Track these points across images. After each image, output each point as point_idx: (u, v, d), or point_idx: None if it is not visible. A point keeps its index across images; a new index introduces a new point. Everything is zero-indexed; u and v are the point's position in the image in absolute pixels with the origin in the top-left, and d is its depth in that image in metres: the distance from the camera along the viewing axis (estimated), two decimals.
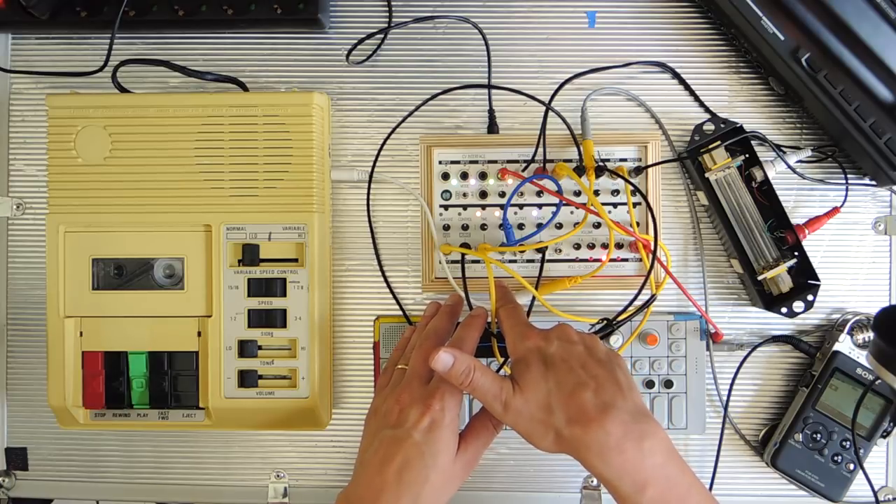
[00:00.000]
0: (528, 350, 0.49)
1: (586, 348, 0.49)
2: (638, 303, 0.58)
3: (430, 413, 0.48)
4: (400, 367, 0.54)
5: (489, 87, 0.62)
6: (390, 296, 0.63)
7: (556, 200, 0.60)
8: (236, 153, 0.58)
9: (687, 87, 0.62)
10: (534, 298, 0.61)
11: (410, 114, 0.62)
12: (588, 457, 0.44)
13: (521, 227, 0.61)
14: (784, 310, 0.58)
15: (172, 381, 0.59)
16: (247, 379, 0.58)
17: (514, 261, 0.62)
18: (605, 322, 0.58)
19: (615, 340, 0.61)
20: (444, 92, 0.62)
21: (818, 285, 0.57)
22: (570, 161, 0.61)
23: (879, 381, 0.54)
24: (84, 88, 0.62)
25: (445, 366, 0.47)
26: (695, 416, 0.61)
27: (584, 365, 0.48)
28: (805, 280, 0.58)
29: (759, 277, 0.58)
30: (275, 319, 0.58)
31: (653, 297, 0.59)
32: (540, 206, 0.62)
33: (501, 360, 0.58)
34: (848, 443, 0.59)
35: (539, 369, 0.47)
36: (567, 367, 0.47)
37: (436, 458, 0.47)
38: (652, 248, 0.59)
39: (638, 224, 0.61)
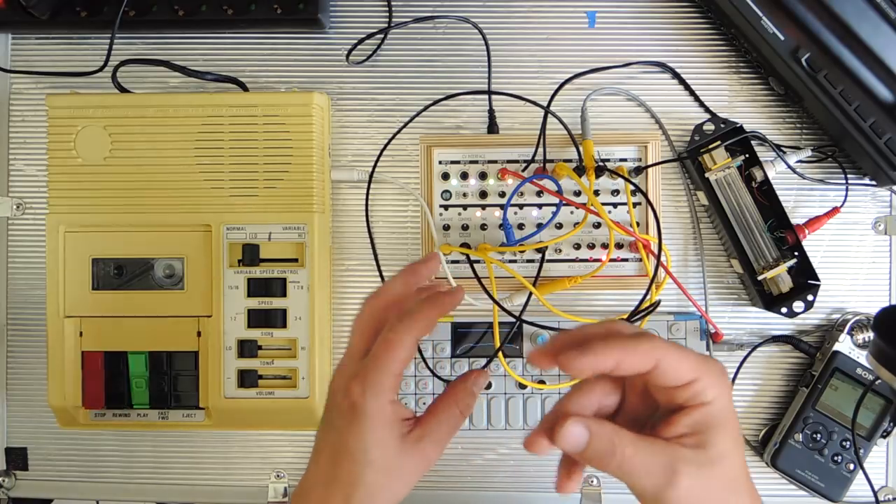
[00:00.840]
0: (724, 403, 0.34)
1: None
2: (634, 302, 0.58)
3: (350, 398, 0.38)
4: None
5: (489, 92, 0.62)
6: None
7: (556, 200, 0.60)
8: (236, 153, 0.58)
9: (687, 87, 0.62)
10: (530, 295, 0.61)
11: (411, 119, 0.62)
12: None
13: (521, 227, 0.61)
14: (784, 310, 0.57)
15: (172, 381, 0.59)
16: (247, 379, 0.58)
17: (514, 261, 0.62)
18: None
19: None
20: (444, 98, 0.62)
21: (818, 285, 0.57)
22: (570, 161, 0.61)
23: (879, 381, 0.54)
24: (84, 88, 0.62)
25: (578, 444, 0.33)
26: None
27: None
28: (805, 280, 0.58)
29: (759, 277, 0.58)
30: (275, 319, 0.58)
31: (657, 303, 0.59)
32: (540, 206, 0.62)
33: (505, 361, 0.58)
34: (848, 443, 0.59)
35: (734, 434, 0.34)
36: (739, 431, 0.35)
37: (366, 454, 0.38)
38: (652, 248, 0.59)
39: (638, 224, 0.61)
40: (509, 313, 0.59)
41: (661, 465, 0.33)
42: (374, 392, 0.38)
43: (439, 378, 0.61)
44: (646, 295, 0.57)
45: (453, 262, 0.61)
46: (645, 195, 0.59)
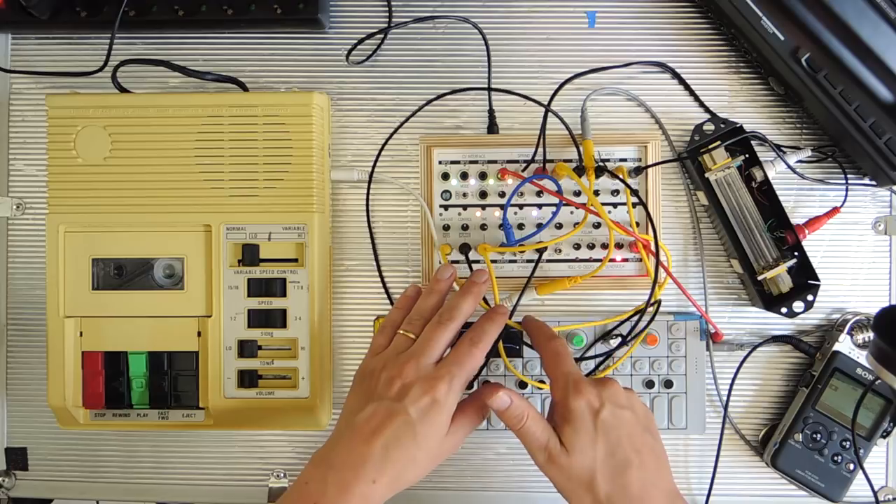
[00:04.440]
0: (580, 409, 0.48)
1: (633, 414, 0.49)
2: (639, 304, 0.58)
3: (433, 394, 0.47)
4: (403, 332, 0.52)
5: (489, 89, 0.62)
6: (388, 297, 0.63)
7: (556, 200, 0.60)
8: (236, 153, 0.58)
9: (687, 87, 0.62)
10: (522, 293, 0.61)
11: (409, 118, 0.62)
12: None
13: (521, 227, 0.61)
14: (784, 310, 0.58)
15: (172, 381, 0.59)
16: (247, 379, 0.58)
17: (514, 261, 0.62)
18: (619, 339, 0.60)
19: (616, 341, 0.60)
20: (443, 95, 0.62)
21: (818, 285, 0.57)
22: (570, 161, 0.61)
23: (879, 381, 0.54)
24: (84, 88, 0.62)
25: (501, 406, 0.48)
26: (695, 417, 0.61)
27: (631, 436, 0.48)
28: (805, 280, 0.58)
29: (759, 277, 0.58)
30: (275, 319, 0.58)
31: (658, 303, 0.59)
32: (540, 206, 0.62)
33: (508, 360, 0.58)
34: (848, 443, 0.59)
35: (589, 435, 0.47)
36: (616, 438, 0.48)
37: (427, 440, 0.47)
38: (652, 250, 0.59)
39: (638, 224, 0.61)
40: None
41: (542, 439, 0.48)
42: (455, 393, 0.48)
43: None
44: (650, 296, 0.57)
45: (453, 262, 0.61)
46: (639, 197, 0.59)
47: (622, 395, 0.50)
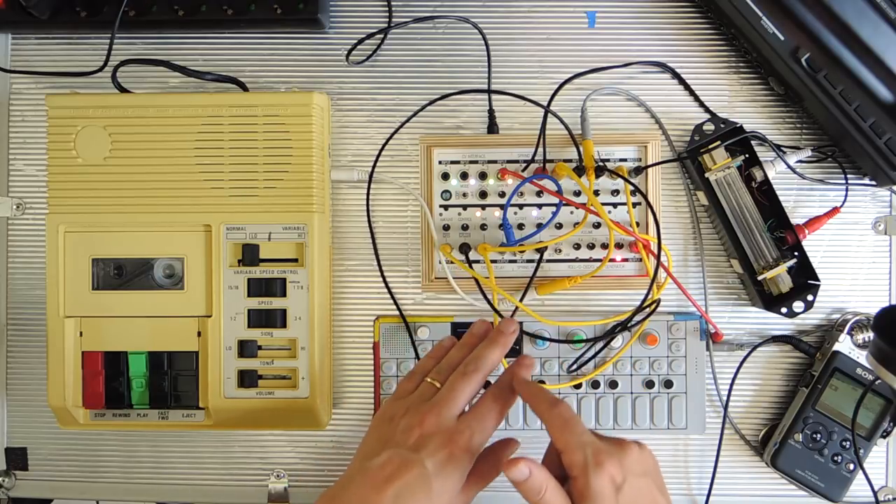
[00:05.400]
0: (602, 488, 0.44)
1: (650, 479, 0.47)
2: (636, 303, 0.58)
3: (452, 448, 0.46)
4: (430, 380, 0.51)
5: (489, 91, 0.62)
6: (390, 296, 0.63)
7: (556, 200, 0.60)
8: (236, 153, 0.58)
9: (687, 87, 0.62)
10: (524, 293, 0.61)
11: (410, 118, 0.62)
12: None
13: (521, 227, 0.61)
14: (784, 310, 0.58)
15: (172, 381, 0.59)
16: (247, 379, 0.58)
17: (514, 261, 0.62)
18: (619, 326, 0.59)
19: (616, 341, 0.61)
20: (444, 97, 0.62)
21: (818, 285, 0.57)
22: (570, 161, 0.61)
23: (879, 381, 0.54)
24: (84, 88, 0.62)
25: (520, 477, 0.44)
26: (695, 416, 0.61)
27: None
28: (805, 280, 0.58)
29: (759, 277, 0.58)
30: (275, 319, 0.58)
31: (657, 303, 0.59)
32: (540, 206, 0.62)
33: (506, 361, 0.58)
34: (848, 443, 0.59)
35: None
36: None
37: (441, 496, 0.45)
38: (652, 248, 0.59)
39: (638, 224, 0.61)
40: (499, 314, 0.59)
41: None
42: (474, 451, 0.47)
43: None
44: (647, 295, 0.57)
45: (451, 262, 0.61)
46: (643, 195, 0.59)
47: (638, 459, 0.47)
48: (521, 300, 0.60)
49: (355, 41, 0.62)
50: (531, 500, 0.45)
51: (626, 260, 0.62)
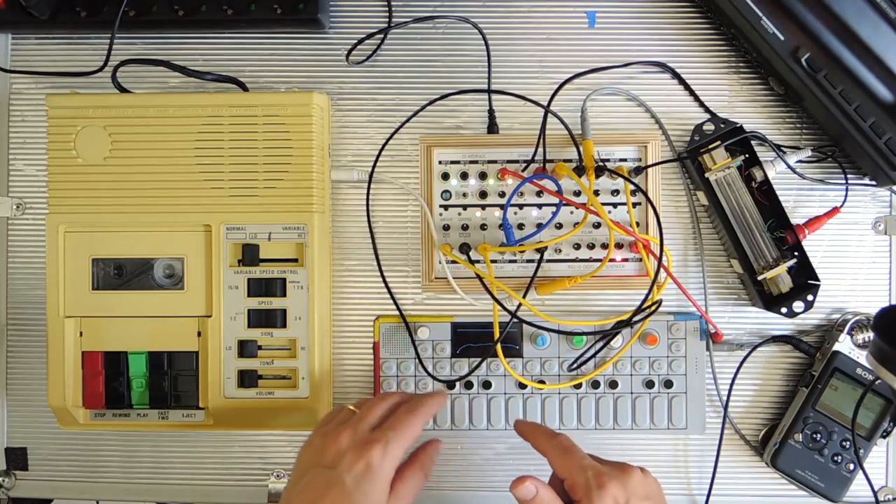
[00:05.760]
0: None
1: (653, 502, 0.48)
2: (637, 304, 0.58)
3: (367, 459, 0.46)
4: (350, 407, 0.52)
5: (489, 91, 0.62)
6: (390, 296, 0.63)
7: (556, 200, 0.60)
8: (236, 153, 0.58)
9: (687, 87, 0.62)
10: (526, 292, 0.60)
11: (410, 118, 0.62)
12: None
13: (521, 227, 0.61)
14: (784, 310, 0.57)
15: (172, 381, 0.59)
16: (247, 379, 0.58)
17: (514, 261, 0.62)
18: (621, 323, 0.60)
19: (616, 341, 0.60)
20: (444, 97, 0.62)
21: (818, 285, 0.57)
22: (570, 161, 0.61)
23: (879, 381, 0.54)
24: (84, 88, 0.62)
25: (526, 496, 0.46)
26: (695, 416, 0.61)
27: None
28: (805, 280, 0.58)
29: (759, 277, 0.58)
30: (275, 319, 0.58)
31: (659, 303, 0.59)
32: (540, 206, 0.62)
33: (506, 361, 0.58)
34: (848, 443, 0.59)
35: None
36: None
37: None
38: (652, 248, 0.59)
39: (638, 224, 0.61)
40: (507, 310, 0.59)
41: None
42: (391, 459, 0.47)
43: (437, 380, 0.61)
44: (647, 295, 0.57)
45: (452, 262, 0.61)
46: (645, 194, 0.59)
47: (641, 483, 0.48)
48: (523, 297, 0.60)
49: (355, 41, 0.62)
50: None
51: (626, 260, 0.62)
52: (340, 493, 0.45)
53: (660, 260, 0.57)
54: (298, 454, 0.50)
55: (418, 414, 0.51)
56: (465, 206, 0.62)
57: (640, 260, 0.61)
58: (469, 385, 0.61)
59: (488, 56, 0.62)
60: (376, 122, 0.63)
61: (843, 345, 0.59)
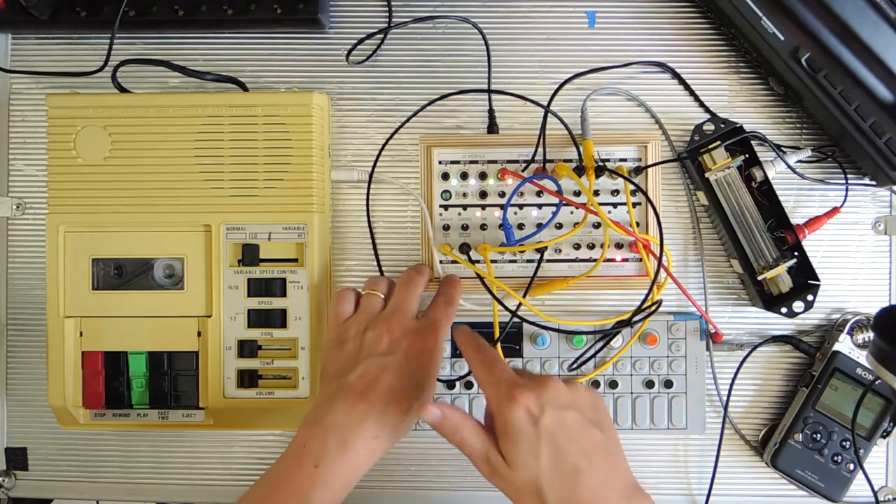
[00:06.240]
0: (517, 419, 0.43)
1: (578, 412, 0.45)
2: (637, 303, 0.58)
3: (425, 343, 0.51)
4: (369, 292, 0.56)
5: (489, 91, 0.62)
6: None
7: (556, 200, 0.60)
8: (236, 153, 0.58)
9: (687, 87, 0.62)
10: (526, 292, 0.60)
11: (410, 118, 0.62)
12: None
13: (521, 227, 0.61)
14: (784, 310, 0.57)
15: (172, 381, 0.59)
16: (247, 379, 0.58)
17: (514, 261, 0.62)
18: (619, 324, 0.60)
19: (616, 341, 0.60)
20: (444, 97, 0.62)
21: (818, 285, 0.57)
22: (570, 161, 0.61)
23: (879, 381, 0.54)
24: (84, 88, 0.62)
25: (432, 419, 0.45)
26: (695, 416, 0.61)
27: (578, 440, 0.44)
28: (805, 280, 0.58)
29: (759, 277, 0.58)
30: (275, 319, 0.58)
31: (659, 303, 0.59)
32: (540, 206, 0.62)
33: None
34: (848, 443, 0.59)
35: (530, 446, 0.43)
36: (561, 445, 0.43)
37: (422, 392, 0.50)
38: (652, 248, 0.59)
39: (638, 224, 0.61)
40: (508, 310, 0.59)
41: (481, 452, 0.45)
42: (441, 344, 0.54)
43: (437, 380, 0.61)
44: (647, 295, 0.57)
45: (452, 262, 0.61)
46: (645, 194, 0.59)
47: (563, 392, 0.45)
48: (523, 297, 0.60)
49: (355, 41, 0.62)
50: (450, 440, 0.46)
51: (626, 260, 0.62)
52: (405, 377, 0.50)
53: (660, 260, 0.57)
54: (331, 348, 0.54)
55: (454, 305, 0.57)
56: (465, 206, 0.62)
57: (640, 260, 0.61)
58: (469, 385, 0.61)
59: (488, 56, 0.62)
60: (376, 122, 0.63)
61: (843, 345, 0.59)
